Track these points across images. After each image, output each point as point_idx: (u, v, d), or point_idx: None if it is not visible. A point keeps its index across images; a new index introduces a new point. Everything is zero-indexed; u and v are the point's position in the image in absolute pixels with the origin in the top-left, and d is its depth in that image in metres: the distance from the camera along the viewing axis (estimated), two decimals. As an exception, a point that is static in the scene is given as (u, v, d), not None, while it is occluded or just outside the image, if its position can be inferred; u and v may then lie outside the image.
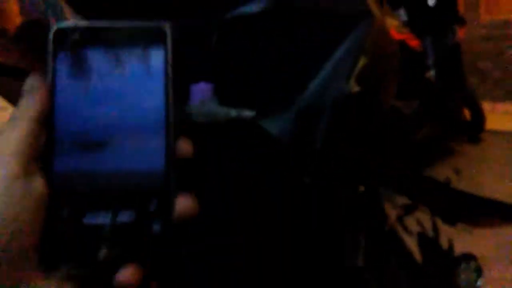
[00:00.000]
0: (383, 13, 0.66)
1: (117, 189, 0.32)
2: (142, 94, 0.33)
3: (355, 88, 0.52)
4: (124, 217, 0.32)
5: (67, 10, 0.95)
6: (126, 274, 0.31)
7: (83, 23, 0.33)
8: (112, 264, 0.31)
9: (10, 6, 1.01)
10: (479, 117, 3.67)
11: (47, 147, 0.32)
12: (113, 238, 0.31)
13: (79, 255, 0.31)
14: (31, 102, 0.32)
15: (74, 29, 0.33)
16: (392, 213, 0.85)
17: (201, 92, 0.61)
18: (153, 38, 0.34)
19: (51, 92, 0.33)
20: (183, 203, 0.33)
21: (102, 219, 0.32)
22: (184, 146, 0.34)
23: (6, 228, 0.29)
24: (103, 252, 0.31)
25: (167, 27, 0.34)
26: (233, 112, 0.57)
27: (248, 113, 0.56)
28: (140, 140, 0.33)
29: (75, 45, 0.33)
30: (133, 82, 0.33)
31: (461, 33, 3.40)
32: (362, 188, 0.69)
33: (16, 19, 1.04)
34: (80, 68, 0.33)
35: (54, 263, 0.31)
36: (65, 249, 0.31)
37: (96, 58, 0.33)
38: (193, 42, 0.60)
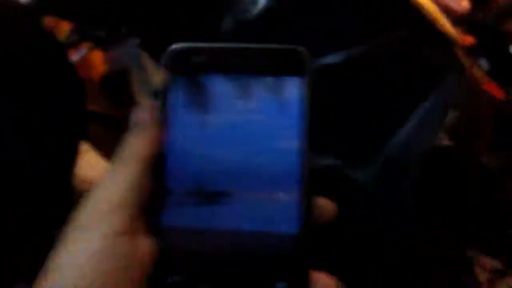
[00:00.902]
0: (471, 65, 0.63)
1: (238, 255, 0.25)
2: (273, 136, 0.26)
3: (445, 141, 0.49)
4: None
5: (147, 61, 1.01)
6: None
7: (203, 44, 0.27)
8: None
9: (94, 56, 1.09)
10: None
11: (154, 197, 0.26)
12: None
13: None
14: (140, 141, 0.26)
15: (193, 51, 0.27)
16: (481, 277, 0.78)
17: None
18: (289, 65, 0.27)
19: (164, 128, 0.27)
20: (322, 284, 0.25)
21: None
22: (326, 206, 0.26)
23: None
24: None
25: (306, 52, 0.27)
26: (320, 161, 0.55)
27: (334, 162, 0.54)
28: (269, 193, 0.26)
29: (194, 71, 0.27)
30: (263, 120, 0.26)
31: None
32: (451, 252, 0.65)
33: (100, 68, 1.12)
34: (199, 100, 0.27)
35: None
36: None
37: (218, 88, 0.27)
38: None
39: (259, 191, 0.26)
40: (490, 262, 0.79)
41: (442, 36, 0.55)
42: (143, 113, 0.27)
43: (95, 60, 1.13)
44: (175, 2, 0.68)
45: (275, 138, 0.26)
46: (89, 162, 0.92)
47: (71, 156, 0.64)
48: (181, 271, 0.25)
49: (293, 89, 0.26)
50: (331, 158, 0.53)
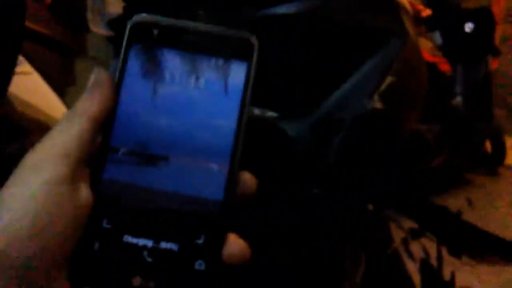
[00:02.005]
0: (418, 34, 0.65)
1: (166, 212, 0.28)
2: (214, 112, 0.29)
3: (378, 105, 0.52)
4: (167, 244, 0.28)
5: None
6: None
7: (165, 19, 0.30)
8: None
9: (48, -24, 1.02)
10: (500, 151, 3.60)
11: (99, 152, 0.29)
12: (151, 265, 0.28)
13: (111, 277, 0.28)
14: (93, 98, 0.29)
15: (154, 25, 0.29)
16: (397, 235, 0.84)
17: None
18: (238, 50, 0.30)
19: (117, 91, 0.29)
20: (234, 245, 0.28)
21: (144, 241, 0.28)
22: (249, 181, 0.30)
23: (37, 237, 0.25)
24: (137, 280, 0.27)
25: (255, 40, 0.30)
26: (256, 111, 0.56)
27: (270, 114, 0.55)
28: (202, 163, 0.29)
29: (152, 42, 0.29)
30: (207, 96, 0.29)
31: (494, 65, 3.33)
32: (370, 207, 0.69)
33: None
34: (152, 69, 0.29)
35: (83, 282, 0.27)
36: (98, 268, 0.28)
37: (172, 62, 0.29)
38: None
39: (193, 159, 0.29)
40: (407, 222, 0.85)
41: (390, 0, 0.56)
42: (99, 75, 0.29)
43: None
44: None
45: (215, 115, 0.29)
46: (31, 84, 0.89)
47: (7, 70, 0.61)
48: (112, 220, 0.28)
49: (239, 73, 0.29)
50: (268, 111, 0.54)
